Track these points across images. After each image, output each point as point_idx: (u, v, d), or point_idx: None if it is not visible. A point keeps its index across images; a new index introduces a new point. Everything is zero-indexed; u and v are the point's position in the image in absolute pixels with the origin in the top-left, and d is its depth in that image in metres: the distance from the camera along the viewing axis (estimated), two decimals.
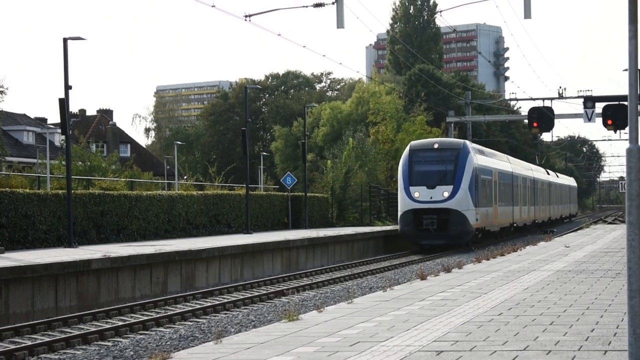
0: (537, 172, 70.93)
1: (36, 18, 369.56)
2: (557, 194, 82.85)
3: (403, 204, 43.30)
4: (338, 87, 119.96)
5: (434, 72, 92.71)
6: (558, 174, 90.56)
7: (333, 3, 27.46)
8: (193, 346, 15.30)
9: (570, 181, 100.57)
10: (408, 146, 45.46)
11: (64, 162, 42.52)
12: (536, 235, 55.04)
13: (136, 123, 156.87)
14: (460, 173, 43.06)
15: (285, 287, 26.19)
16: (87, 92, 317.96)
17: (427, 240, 43.27)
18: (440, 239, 42.97)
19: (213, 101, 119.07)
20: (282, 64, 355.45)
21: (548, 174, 78.78)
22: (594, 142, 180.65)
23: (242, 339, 11.99)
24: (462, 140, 46.19)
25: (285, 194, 54.34)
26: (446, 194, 42.59)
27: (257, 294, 24.41)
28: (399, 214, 43.76)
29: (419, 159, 43.88)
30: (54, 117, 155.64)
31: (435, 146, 44.24)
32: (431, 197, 42.57)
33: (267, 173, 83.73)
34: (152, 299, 23.95)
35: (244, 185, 46.19)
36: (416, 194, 42.74)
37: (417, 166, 43.71)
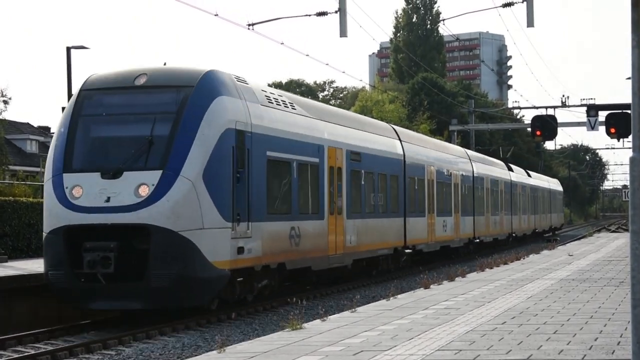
0: (482, 164, 49.42)
1: (39, 25, 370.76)
2: (529, 200, 63.01)
3: (49, 214, 19.65)
4: (341, 95, 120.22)
5: (437, 80, 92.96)
6: (531, 173, 70.74)
7: (336, 12, 27.52)
8: (196, 355, 15.30)
9: (552, 184, 79.93)
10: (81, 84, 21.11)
11: None
12: (540, 244, 54.60)
13: None
14: (184, 140, 19.26)
15: (288, 296, 26.15)
16: None
17: (98, 302, 19.36)
18: (126, 299, 19.12)
19: None
20: (285, 73, 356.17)
21: (511, 170, 58.68)
22: (597, 151, 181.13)
23: (246, 347, 12.00)
24: (202, 70, 20.67)
25: None
26: (144, 191, 18.85)
27: (260, 302, 24.38)
28: (43, 236, 19.96)
29: (95, 111, 20.37)
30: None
31: (141, 81, 20.32)
32: (109, 199, 18.99)
33: None
34: None
35: None
36: (76, 192, 19.26)
37: (88, 127, 20.26)
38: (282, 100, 24.00)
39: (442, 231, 38.41)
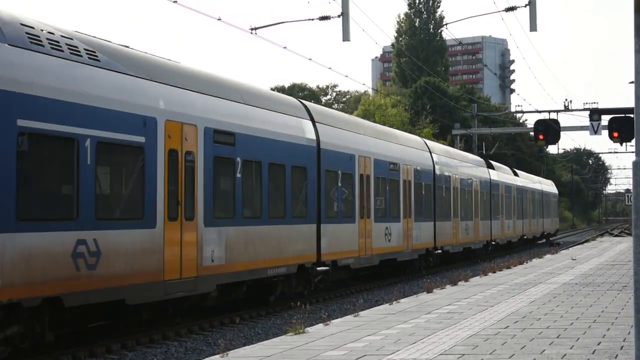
0: (448, 158, 40.74)
1: None
2: (514, 202, 55.55)
3: None
4: (344, 99, 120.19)
5: (440, 84, 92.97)
6: (519, 172, 62.85)
7: (339, 16, 27.55)
8: (200, 359, 15.34)
9: (544, 185, 72.53)
10: None
11: None
12: (542, 248, 54.43)
13: None
14: None
15: (291, 300, 26.16)
16: None
17: None
18: None
19: None
20: (287, 77, 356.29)
21: (491, 167, 50.62)
22: (600, 155, 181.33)
23: (248, 352, 12.00)
24: None
25: None
26: None
27: (263, 306, 24.39)
28: None
29: None
30: None
31: None
32: None
33: None
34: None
35: None
36: None
37: None
38: (67, 45, 15.08)
39: (385, 241, 29.89)
